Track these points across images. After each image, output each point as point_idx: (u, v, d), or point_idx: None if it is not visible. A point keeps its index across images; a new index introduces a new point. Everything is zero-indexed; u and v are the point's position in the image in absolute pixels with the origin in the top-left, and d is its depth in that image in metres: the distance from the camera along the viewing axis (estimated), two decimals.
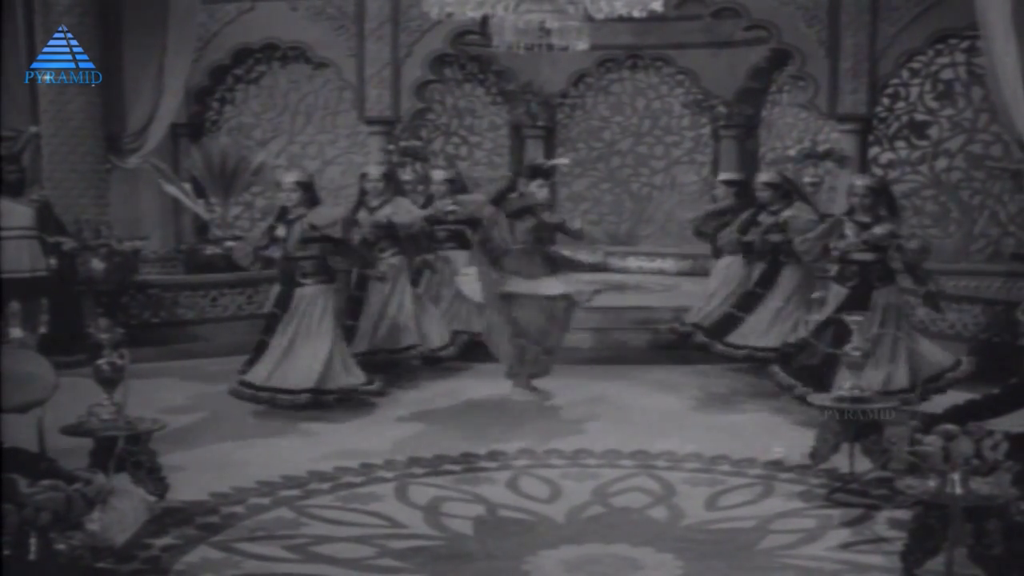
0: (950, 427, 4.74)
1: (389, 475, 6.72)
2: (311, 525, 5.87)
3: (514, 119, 14.56)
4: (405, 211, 9.33)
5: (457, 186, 10.46)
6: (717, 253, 10.01)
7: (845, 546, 5.54)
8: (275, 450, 7.27)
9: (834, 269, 8.09)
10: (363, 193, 9.48)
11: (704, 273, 11.37)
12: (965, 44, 11.58)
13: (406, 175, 11.70)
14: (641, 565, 5.30)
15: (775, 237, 9.21)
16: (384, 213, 9.26)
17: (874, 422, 6.29)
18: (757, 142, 13.91)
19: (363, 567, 5.31)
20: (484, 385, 9.06)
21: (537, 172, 9.14)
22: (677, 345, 9.89)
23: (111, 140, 10.68)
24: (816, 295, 9.03)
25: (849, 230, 7.85)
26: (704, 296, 9.86)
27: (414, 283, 9.57)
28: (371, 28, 12.40)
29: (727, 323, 9.40)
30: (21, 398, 5.19)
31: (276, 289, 8.60)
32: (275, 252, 8.34)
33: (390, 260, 9.25)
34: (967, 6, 9.60)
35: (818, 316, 8.35)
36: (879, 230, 7.76)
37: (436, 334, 9.50)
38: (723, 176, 10.85)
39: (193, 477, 6.45)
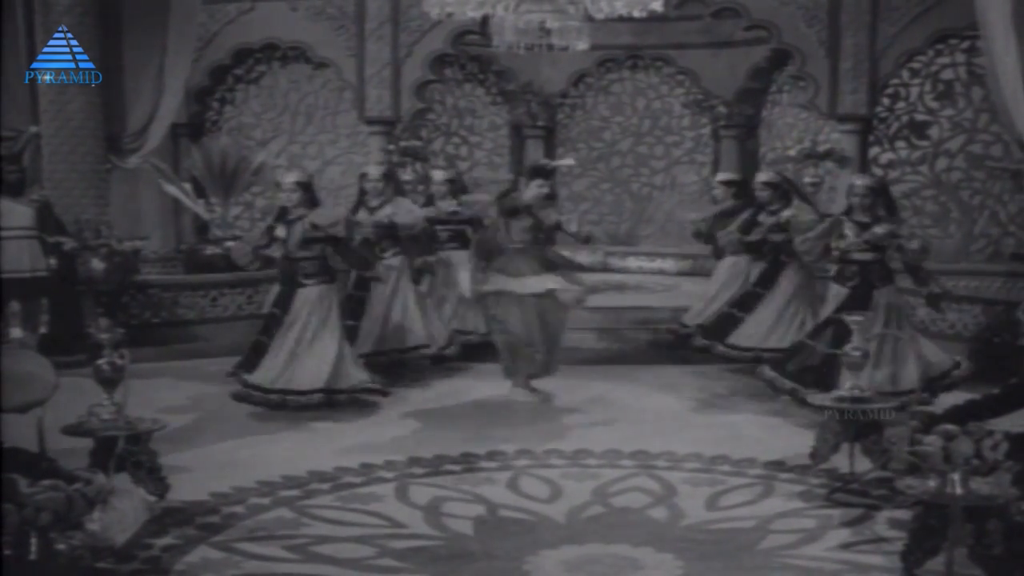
0: (950, 427, 4.73)
1: (389, 475, 6.71)
2: (311, 525, 5.87)
3: (514, 119, 14.55)
4: (407, 211, 9.32)
5: (457, 186, 10.47)
6: (719, 254, 10.01)
7: (845, 546, 5.54)
8: (275, 450, 7.26)
9: (834, 269, 8.10)
10: (363, 193, 9.47)
11: (704, 273, 11.37)
12: (965, 44, 11.57)
13: (406, 175, 11.72)
14: (641, 565, 5.30)
15: (777, 237, 9.23)
16: (385, 213, 9.25)
17: (874, 422, 6.28)
18: (757, 142, 13.92)
19: (363, 567, 5.31)
20: (485, 385, 9.05)
21: (539, 172, 9.11)
22: (677, 345, 9.90)
23: (111, 140, 10.67)
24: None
25: (849, 230, 7.86)
26: (704, 298, 9.86)
27: (415, 283, 9.57)
28: (371, 28, 12.39)
29: (727, 323, 9.40)
30: (21, 398, 5.20)
31: (276, 289, 8.60)
32: (275, 251, 8.32)
33: (390, 261, 9.26)
34: (967, 6, 9.59)
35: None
36: (880, 229, 7.76)
37: (439, 334, 9.50)
38: (721, 176, 10.84)
39: (193, 477, 6.45)
